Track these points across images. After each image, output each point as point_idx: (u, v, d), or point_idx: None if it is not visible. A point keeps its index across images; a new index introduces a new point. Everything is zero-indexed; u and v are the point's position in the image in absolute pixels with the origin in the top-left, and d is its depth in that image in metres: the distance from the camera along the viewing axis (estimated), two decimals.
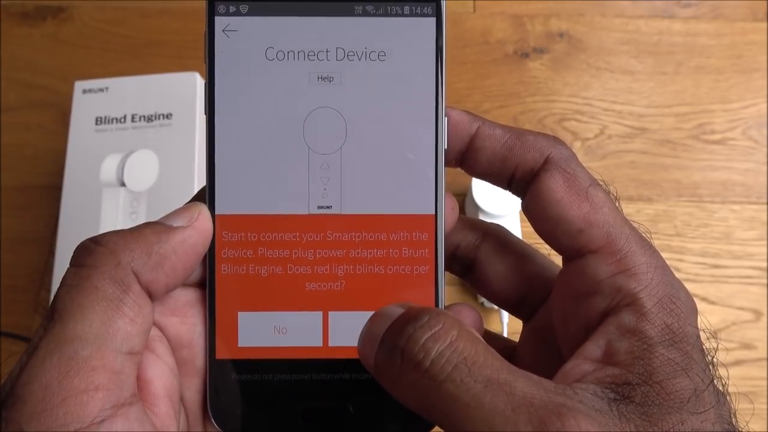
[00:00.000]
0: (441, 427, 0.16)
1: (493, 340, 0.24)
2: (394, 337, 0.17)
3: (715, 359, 0.18)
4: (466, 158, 0.22)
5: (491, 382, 0.15)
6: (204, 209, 0.21)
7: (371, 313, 0.22)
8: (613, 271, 0.19)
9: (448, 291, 0.47)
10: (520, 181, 0.21)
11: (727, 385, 0.18)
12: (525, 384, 0.15)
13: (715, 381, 0.18)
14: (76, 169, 0.45)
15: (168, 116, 0.45)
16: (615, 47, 0.57)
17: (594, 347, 0.18)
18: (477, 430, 0.15)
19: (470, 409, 0.15)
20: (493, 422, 0.15)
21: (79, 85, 0.47)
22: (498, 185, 0.22)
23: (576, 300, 0.20)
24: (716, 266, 0.50)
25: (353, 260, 0.22)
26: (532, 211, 0.21)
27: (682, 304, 0.18)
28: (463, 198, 0.49)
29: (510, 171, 0.21)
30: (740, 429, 0.17)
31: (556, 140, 0.21)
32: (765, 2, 0.59)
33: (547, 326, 0.22)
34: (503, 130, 0.21)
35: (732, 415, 0.18)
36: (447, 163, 0.22)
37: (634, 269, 0.19)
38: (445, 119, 0.22)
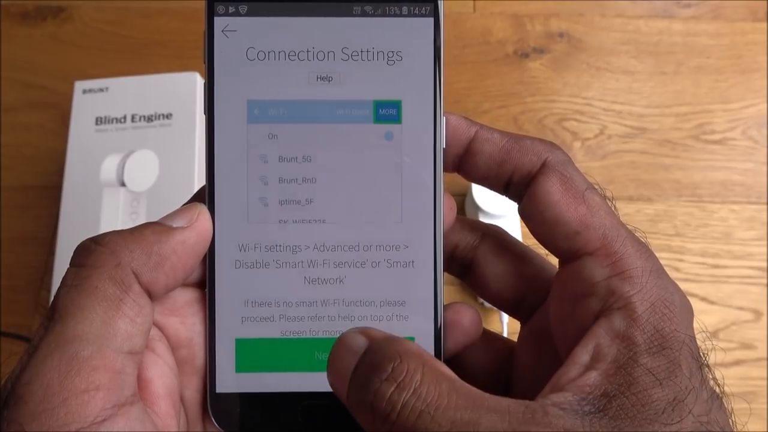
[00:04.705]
0: None
1: (493, 340, 0.24)
2: (362, 389, 0.17)
3: (709, 362, 0.18)
4: (464, 162, 0.22)
5: (455, 423, 0.16)
6: (204, 210, 0.21)
7: (371, 311, 0.22)
8: (608, 273, 0.19)
9: (448, 291, 0.47)
10: (518, 184, 0.21)
11: (722, 387, 0.18)
12: (490, 419, 0.16)
13: (706, 385, 0.18)
14: (76, 169, 0.45)
15: (168, 116, 0.45)
16: (615, 47, 0.57)
17: (583, 352, 0.18)
18: None
19: None
20: None
21: (79, 85, 0.47)
22: (495, 190, 0.22)
23: (572, 302, 0.20)
24: (716, 266, 0.50)
25: (353, 262, 0.22)
26: (529, 214, 0.21)
27: (676, 308, 0.18)
28: (463, 198, 0.49)
29: (507, 175, 0.21)
30: (735, 430, 0.18)
31: (553, 145, 0.21)
32: (765, 2, 0.59)
33: (545, 327, 0.22)
34: (501, 135, 0.21)
35: (729, 417, 0.18)
36: (444, 168, 0.22)
37: (628, 272, 0.19)
38: (443, 119, 0.22)
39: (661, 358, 0.17)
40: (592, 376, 0.17)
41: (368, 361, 0.17)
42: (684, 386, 0.17)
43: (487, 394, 0.16)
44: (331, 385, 0.18)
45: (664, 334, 0.18)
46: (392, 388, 0.16)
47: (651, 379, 0.17)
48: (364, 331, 0.18)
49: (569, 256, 0.20)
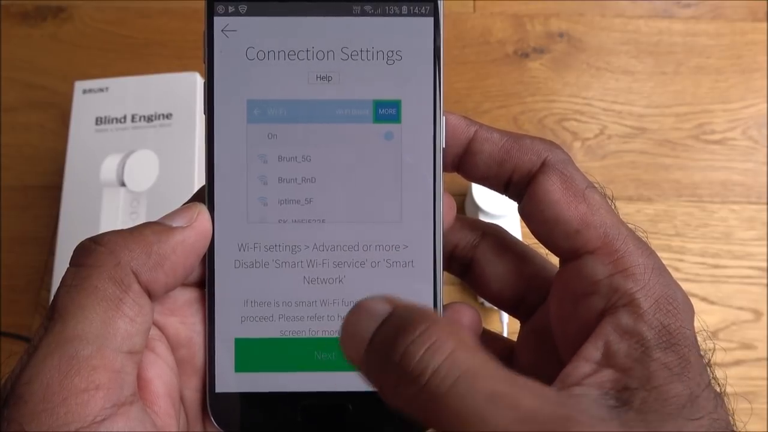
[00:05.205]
0: None
1: (492, 340, 0.24)
2: (386, 349, 0.15)
3: (711, 361, 0.18)
4: (464, 162, 0.22)
5: (494, 395, 0.14)
6: (203, 209, 0.21)
7: None
8: (610, 271, 0.19)
9: (448, 291, 0.47)
10: (518, 184, 0.21)
11: (725, 387, 0.18)
12: (529, 397, 0.15)
13: (712, 383, 0.18)
14: (76, 169, 0.45)
15: (168, 116, 0.45)
16: (615, 47, 0.57)
17: (593, 349, 0.18)
18: None
19: (474, 424, 0.14)
20: None
21: (79, 85, 0.47)
22: (495, 189, 0.22)
23: (573, 301, 0.20)
24: (716, 266, 0.50)
25: (353, 262, 0.22)
26: (529, 213, 0.21)
27: (679, 305, 0.18)
28: (463, 198, 0.49)
29: (507, 174, 0.21)
30: (738, 430, 0.18)
31: (553, 144, 0.21)
32: (765, 2, 0.59)
33: (545, 326, 0.22)
34: (500, 134, 0.21)
35: (731, 417, 0.18)
36: (444, 167, 0.22)
37: (631, 270, 0.19)
38: (443, 119, 0.22)
39: (673, 354, 0.17)
40: (608, 373, 0.17)
41: (393, 322, 0.16)
42: (696, 382, 0.17)
43: (516, 374, 0.15)
44: (343, 348, 0.17)
45: (671, 330, 0.18)
46: (423, 350, 0.15)
47: (668, 374, 0.17)
48: (386, 298, 0.17)
49: (570, 255, 0.20)
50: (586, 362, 0.18)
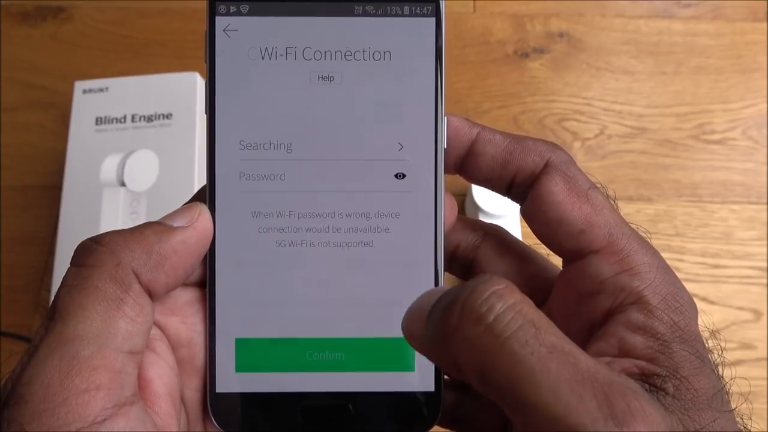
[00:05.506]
0: (493, 389, 0.15)
1: None
2: (452, 293, 0.15)
3: (718, 359, 0.19)
4: (466, 164, 0.22)
5: (556, 348, 0.14)
6: (204, 209, 0.21)
7: (371, 311, 0.22)
8: (615, 270, 0.19)
9: None
10: (521, 185, 0.21)
11: (731, 385, 0.18)
12: (587, 358, 0.15)
13: (722, 380, 0.18)
14: (76, 169, 0.45)
15: (168, 116, 0.45)
16: (615, 47, 0.57)
17: (606, 345, 0.18)
18: (540, 396, 0.14)
19: (535, 373, 0.14)
20: (557, 391, 0.14)
21: (79, 85, 0.47)
22: (497, 191, 0.22)
23: (578, 301, 0.20)
24: (716, 266, 0.50)
25: (354, 262, 0.22)
26: (532, 214, 0.21)
27: (686, 303, 0.19)
28: (463, 198, 0.49)
29: (510, 175, 0.21)
30: (750, 429, 0.18)
31: (555, 145, 0.21)
32: (765, 2, 0.59)
33: None
34: (503, 136, 0.21)
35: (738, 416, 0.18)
36: (446, 169, 0.22)
37: (636, 268, 0.19)
38: (445, 119, 0.22)
39: (689, 349, 0.17)
40: (629, 361, 0.17)
41: (458, 287, 0.16)
42: (715, 377, 0.17)
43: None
44: (404, 325, 0.17)
45: (681, 326, 0.18)
46: (491, 289, 0.15)
47: (692, 365, 0.17)
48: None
49: (574, 255, 0.20)
50: (600, 357, 0.18)
